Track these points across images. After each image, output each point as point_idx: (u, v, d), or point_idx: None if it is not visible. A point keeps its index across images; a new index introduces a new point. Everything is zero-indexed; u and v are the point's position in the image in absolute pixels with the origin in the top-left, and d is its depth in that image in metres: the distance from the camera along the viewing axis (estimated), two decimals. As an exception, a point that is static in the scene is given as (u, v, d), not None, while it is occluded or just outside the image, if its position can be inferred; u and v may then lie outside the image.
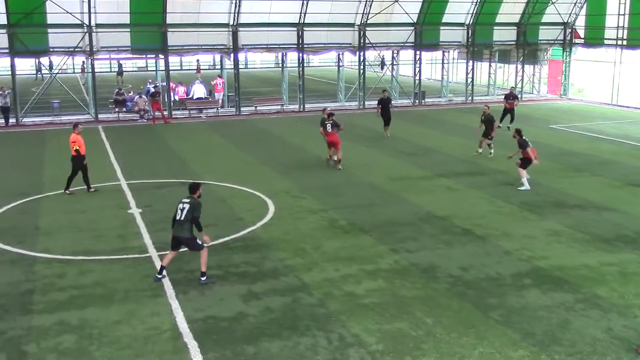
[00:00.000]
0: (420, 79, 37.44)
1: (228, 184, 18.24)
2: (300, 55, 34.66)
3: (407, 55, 44.37)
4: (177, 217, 11.02)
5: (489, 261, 12.27)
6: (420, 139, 25.76)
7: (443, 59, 40.61)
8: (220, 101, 34.72)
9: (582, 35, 39.68)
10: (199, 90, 35.45)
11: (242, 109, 33.59)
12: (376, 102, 27.06)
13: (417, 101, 37.49)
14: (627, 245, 13.14)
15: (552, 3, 37.31)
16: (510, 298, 10.58)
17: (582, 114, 33.49)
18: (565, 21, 39.25)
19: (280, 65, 37.17)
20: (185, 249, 11.41)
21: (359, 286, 11.09)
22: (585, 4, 38.42)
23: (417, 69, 37.18)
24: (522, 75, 39.63)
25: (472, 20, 37.03)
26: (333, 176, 19.33)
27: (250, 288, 11.00)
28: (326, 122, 20.30)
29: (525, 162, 17.67)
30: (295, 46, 33.86)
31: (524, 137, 17.75)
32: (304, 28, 33.33)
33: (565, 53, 40.43)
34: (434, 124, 30.15)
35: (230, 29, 32.08)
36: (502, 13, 37.51)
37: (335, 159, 20.45)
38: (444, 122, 30.47)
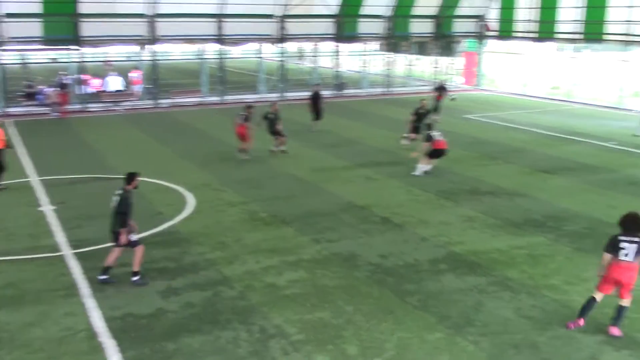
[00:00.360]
0: (340, 71, 37.78)
1: (147, 178, 17.82)
2: (220, 46, 34.27)
3: (327, 46, 44.67)
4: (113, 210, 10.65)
5: (407, 248, 12.59)
6: (341, 130, 26.02)
7: (362, 51, 41.14)
8: (137, 94, 33.86)
9: (495, 28, 41.06)
10: (113, 83, 34.45)
11: (160, 101, 32.91)
12: (309, 94, 26.86)
13: (337, 92, 37.83)
14: (536, 228, 13.78)
15: (466, -4, 38.50)
16: (427, 283, 10.90)
17: (495, 104, 34.72)
18: (479, 14, 40.51)
19: (200, 57, 36.61)
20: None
21: (280, 277, 11.14)
22: (498, -2, 39.84)
23: (337, 61, 37.50)
24: (439, 67, 40.67)
25: (390, 12, 37.64)
26: (254, 169, 19.27)
27: (170, 284, 10.84)
28: (241, 115, 20.53)
29: (434, 153, 18.33)
30: (215, 37, 33.44)
31: (430, 132, 18.67)
32: (224, 19, 32.95)
33: (478, 45, 41.78)
34: (355, 115, 30.52)
35: (148, 20, 31.30)
36: (419, 6, 38.32)
37: (282, 148, 21.21)
38: (364, 114, 30.90)
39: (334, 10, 35.81)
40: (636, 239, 8.99)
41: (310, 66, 39.79)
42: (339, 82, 37.95)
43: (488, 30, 41.19)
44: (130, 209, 10.67)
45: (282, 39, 34.99)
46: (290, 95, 35.51)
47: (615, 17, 32.56)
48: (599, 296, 9.24)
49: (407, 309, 9.96)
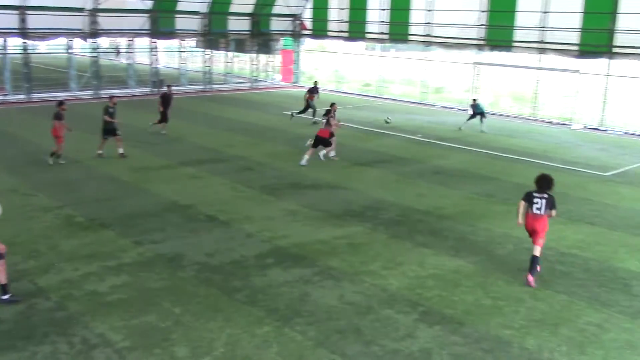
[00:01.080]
0: (158, 67, 36.77)
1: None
2: (24, 41, 31.70)
3: (143, 42, 43.23)
4: None
5: (233, 245, 12.63)
6: (161, 127, 25.34)
7: (180, 47, 40.39)
8: None
9: (310, 27, 42.41)
10: None
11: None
12: (159, 96, 25.72)
13: (155, 90, 36.76)
14: (354, 218, 14.52)
15: (282, -5, 39.31)
16: (255, 278, 11.03)
17: (313, 100, 35.82)
18: (294, 13, 41.58)
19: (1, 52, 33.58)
20: None
21: (101, 284, 10.63)
22: (311, -2, 41.17)
23: (154, 57, 36.45)
24: (258, 64, 41.13)
25: (207, 8, 37.33)
26: (69, 170, 18.15)
27: (-25, 300, 9.89)
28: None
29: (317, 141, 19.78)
30: (18, 31, 30.84)
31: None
32: (27, 11, 30.52)
33: (295, 43, 42.90)
34: (174, 112, 29.75)
35: None
36: (236, 3, 38.44)
37: (121, 151, 20.04)
38: (184, 111, 30.34)
39: (148, 5, 34.73)
40: (545, 195, 11.21)
41: (126, 63, 38.21)
42: (157, 80, 36.91)
43: (304, 28, 42.44)
44: None
45: (93, 33, 33.21)
46: (105, 92, 33.84)
47: (417, 19, 35.17)
48: (534, 248, 11.22)
49: (236, 305, 10.01)
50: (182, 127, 25.94)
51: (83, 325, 9.19)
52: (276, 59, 43.74)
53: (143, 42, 37.85)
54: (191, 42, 42.75)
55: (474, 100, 27.31)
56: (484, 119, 26.31)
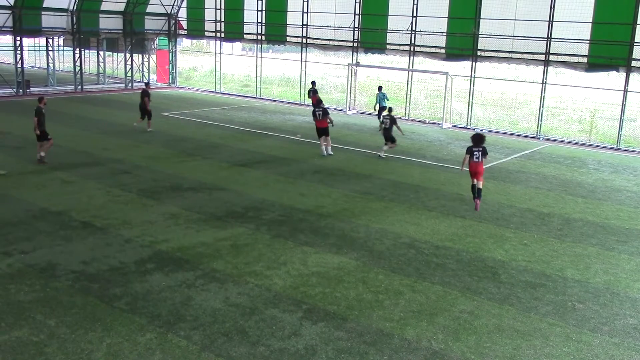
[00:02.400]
0: (23, 67, 34.64)
1: None
2: None
3: (6, 40, 40.61)
4: None
5: (111, 251, 12.18)
6: (28, 130, 23.82)
7: (47, 46, 38.29)
8: None
9: (185, 27, 41.65)
10: None
11: None
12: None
13: (21, 91, 34.62)
14: (237, 220, 14.46)
15: (155, -6, 38.32)
16: (135, 285, 10.70)
17: (190, 101, 35.30)
18: (169, 12, 40.67)
19: None
20: None
21: (-35, 299, 9.90)
22: (186, -3, 40.45)
23: (19, 56, 34.30)
24: (132, 64, 39.84)
25: (75, 6, 35.64)
26: None
27: None
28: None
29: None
30: None
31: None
32: None
33: (170, 43, 41.98)
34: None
35: None
36: (107, 1, 37.04)
37: (42, 154, 19.05)
38: (53, 113, 28.79)
39: (11, 0, 32.59)
40: (481, 148, 16.02)
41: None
42: (23, 80, 34.73)
43: (180, 28, 41.62)
44: None
45: (-53, 30, 30.77)
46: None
47: (293, 21, 35.57)
48: (474, 182, 16.11)
49: (116, 313, 9.66)
50: (52, 129, 24.56)
51: (-55, 345, 8.52)
52: (151, 59, 42.54)
53: (6, 40, 35.53)
54: (59, 40, 40.69)
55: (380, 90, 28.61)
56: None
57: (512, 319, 10.04)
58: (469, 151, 15.99)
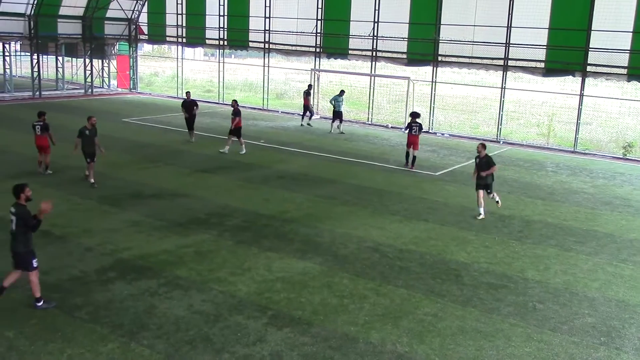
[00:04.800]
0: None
1: None
2: None
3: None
4: (11, 229, 9.90)
5: (71, 260, 11.96)
6: (-17, 138, 23.38)
7: (4, 51, 37.46)
8: None
9: (146, 32, 41.20)
10: None
11: None
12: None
13: (-25, 97, 33.82)
14: (200, 226, 14.34)
15: (114, -1, 37.82)
16: (96, 294, 10.53)
17: (151, 107, 34.92)
18: (130, 17, 40.20)
19: None
20: None
21: None
22: (147, 2, 39.97)
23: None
24: (92, 70, 39.23)
25: (32, 10, 34.94)
26: None
27: None
28: (35, 125, 18.29)
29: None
30: None
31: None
32: None
33: (131, 48, 41.48)
34: (-2, 121, 27.67)
35: None
36: (65, 5, 36.42)
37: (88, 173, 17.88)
38: (9, 119, 28.20)
39: (-37, 4, 31.85)
40: (418, 122, 21.27)
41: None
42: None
43: (141, 33, 41.16)
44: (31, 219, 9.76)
45: None
46: None
47: (256, 26, 35.50)
48: (409, 150, 21.23)
49: (77, 324, 9.49)
50: (7, 136, 24.08)
51: None
52: (112, 65, 41.96)
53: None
54: (16, 45, 39.83)
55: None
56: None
57: (475, 321, 10.18)
58: (409, 126, 21.44)
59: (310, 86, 31.08)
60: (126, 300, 10.33)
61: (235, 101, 23.82)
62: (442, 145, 26.65)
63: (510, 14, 27.21)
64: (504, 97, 28.82)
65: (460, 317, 10.29)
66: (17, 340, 8.90)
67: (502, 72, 28.35)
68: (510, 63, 27.85)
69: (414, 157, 21.16)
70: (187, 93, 25.51)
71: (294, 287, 11.18)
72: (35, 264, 10.01)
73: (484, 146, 15.89)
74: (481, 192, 15.91)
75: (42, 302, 10.05)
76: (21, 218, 9.83)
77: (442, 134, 29.66)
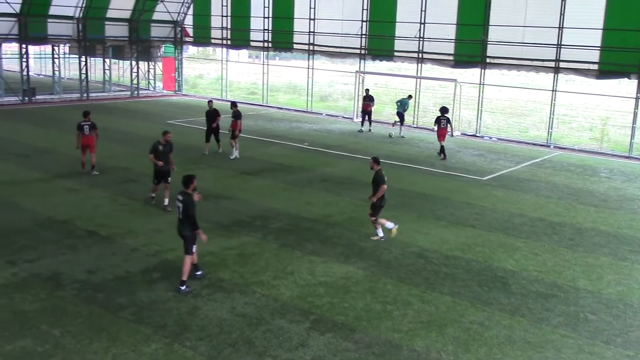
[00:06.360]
0: (28, 75, 34.70)
1: None
2: None
3: (11, 48, 40.81)
4: (178, 215, 10.94)
5: (116, 261, 12.06)
6: (33, 139, 23.91)
7: (53, 54, 38.39)
8: None
9: (191, 34, 41.64)
10: None
11: None
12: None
13: (26, 98, 34.65)
14: (244, 228, 14.32)
15: (161, 1, 38.29)
16: (141, 294, 10.57)
17: (196, 109, 35.14)
18: (175, 19, 40.70)
19: None
20: None
21: (-31, 308, 9.79)
22: (192, 4, 40.41)
23: (25, 64, 34.36)
24: (138, 72, 39.85)
25: (81, 13, 35.69)
26: None
27: None
28: (83, 124, 18.44)
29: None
30: None
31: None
32: None
33: (176, 50, 41.99)
34: (47, 122, 28.29)
35: None
36: (112, 8, 37.07)
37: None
38: (58, 121, 28.81)
39: (17, 8, 32.64)
40: (446, 116, 23.14)
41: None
42: (29, 88, 34.76)
43: (186, 35, 41.63)
44: (195, 210, 10.75)
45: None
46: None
47: (300, 28, 35.49)
48: (441, 142, 23.32)
49: (121, 323, 9.53)
50: (55, 137, 24.58)
51: (-52, 355, 8.40)
52: (157, 67, 42.57)
53: (12, 47, 35.61)
54: (65, 48, 40.76)
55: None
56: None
57: (523, 330, 9.85)
58: (438, 120, 23.04)
59: (367, 91, 30.15)
60: (170, 301, 10.34)
61: (235, 103, 23.34)
62: (489, 149, 26.12)
63: (562, 14, 26.48)
64: (555, 99, 28.09)
65: (508, 327, 9.97)
66: (63, 339, 8.97)
67: (553, 74, 27.62)
68: (561, 65, 27.08)
69: (442, 147, 23.17)
70: (209, 102, 23.85)
71: (337, 291, 11.02)
72: (193, 249, 10.95)
73: (375, 161, 13.97)
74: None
75: (184, 287, 10.74)
76: (186, 206, 10.78)
77: (490, 138, 29.09)
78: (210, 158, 21.80)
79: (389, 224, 13.91)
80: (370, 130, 29.25)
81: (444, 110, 23.56)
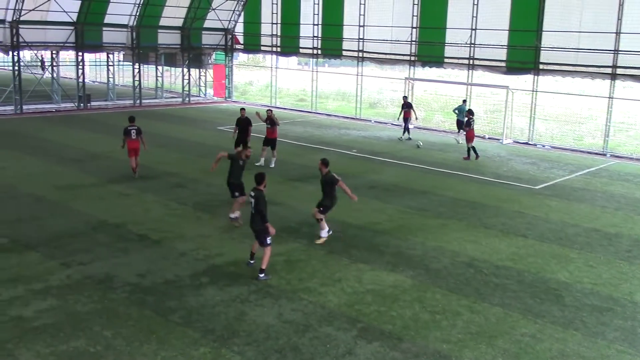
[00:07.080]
0: (84, 82, 35.69)
1: None
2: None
3: (69, 56, 42.08)
4: (251, 210, 11.78)
5: (166, 264, 12.23)
6: (87, 144, 24.53)
7: (108, 61, 39.42)
8: None
9: (241, 42, 42.14)
10: None
11: None
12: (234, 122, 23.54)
13: (82, 105, 35.63)
14: (291, 235, 14.33)
15: (213, 9, 38.89)
16: (189, 298, 10.68)
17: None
18: (226, 27, 41.27)
19: None
20: None
21: (26, 308, 10.06)
22: (243, 12, 40.91)
23: (80, 71, 35.36)
24: (189, 79, 40.52)
25: (135, 22, 36.55)
26: (-12, 189, 17.24)
27: None
28: (130, 129, 18.88)
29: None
30: None
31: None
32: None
33: (227, 58, 42.54)
34: (101, 128, 28.99)
35: None
36: (165, 16, 37.83)
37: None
38: (111, 126, 29.47)
39: (73, 17, 33.64)
40: (474, 118, 24.64)
41: (51, 77, 36.88)
42: (84, 94, 35.75)
43: (237, 43, 42.15)
44: (266, 206, 11.77)
45: (15, 46, 31.91)
46: (28, 108, 32.71)
47: (349, 35, 35.50)
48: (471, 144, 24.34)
49: (170, 327, 9.64)
50: (108, 142, 25.12)
51: (7, 352, 8.65)
52: (208, 74, 43.20)
53: (69, 55, 36.69)
54: (119, 55, 41.79)
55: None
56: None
57: (577, 344, 9.55)
58: (469, 122, 24.23)
59: (405, 98, 29.88)
60: (218, 306, 10.41)
61: (271, 110, 23.12)
62: (542, 158, 25.53)
63: (619, 19, 25.73)
64: (611, 107, 27.28)
65: (561, 340, 9.68)
66: (115, 341, 9.13)
67: (609, 80, 26.83)
68: (618, 71, 26.27)
69: (473, 148, 24.34)
70: (242, 110, 23.39)
71: (385, 300, 10.91)
72: (269, 241, 11.68)
73: (324, 163, 14.05)
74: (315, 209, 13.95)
75: (263, 275, 11.56)
76: (258, 201, 11.61)
77: (543, 146, 28.45)
78: (251, 164, 21.94)
79: (324, 232, 13.88)
80: (409, 138, 28.65)
81: (471, 112, 24.88)
